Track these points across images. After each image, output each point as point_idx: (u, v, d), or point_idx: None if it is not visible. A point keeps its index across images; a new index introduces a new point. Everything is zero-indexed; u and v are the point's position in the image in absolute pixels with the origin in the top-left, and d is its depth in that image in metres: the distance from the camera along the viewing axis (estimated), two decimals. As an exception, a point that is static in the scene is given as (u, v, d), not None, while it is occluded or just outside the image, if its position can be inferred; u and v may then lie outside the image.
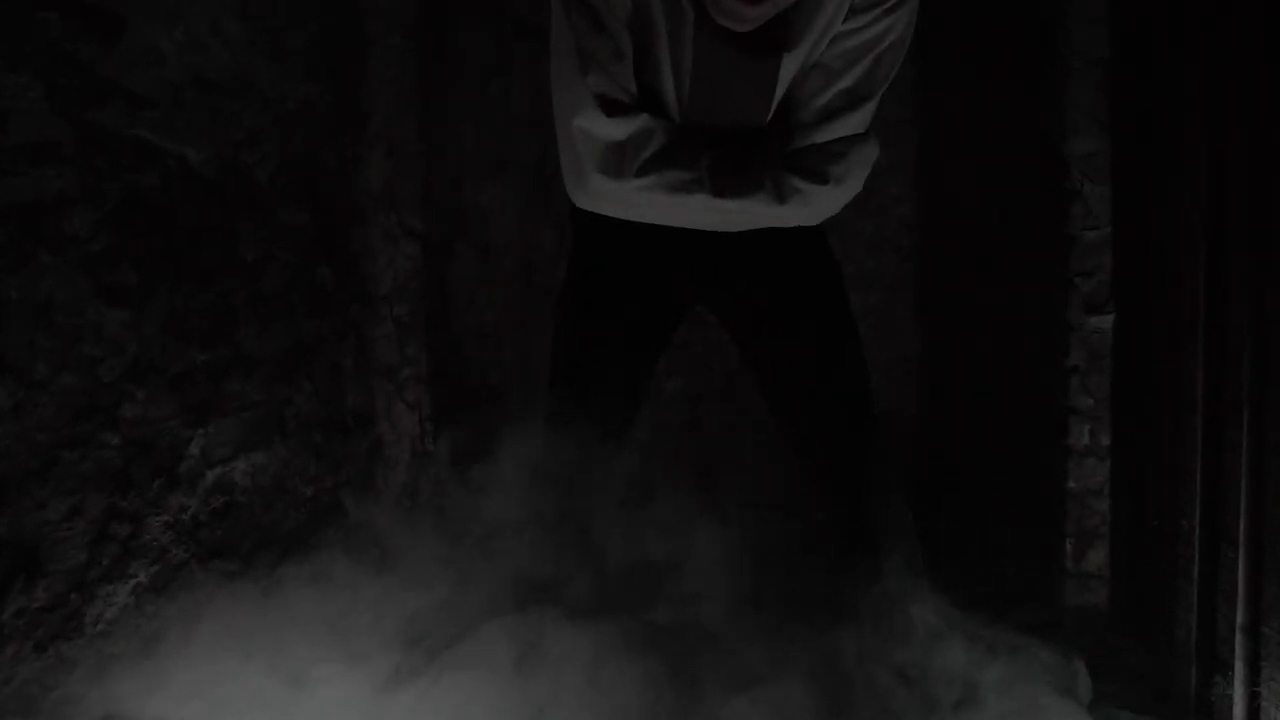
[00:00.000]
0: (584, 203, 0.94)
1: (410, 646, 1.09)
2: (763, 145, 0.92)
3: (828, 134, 0.90)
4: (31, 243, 0.93)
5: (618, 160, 0.86)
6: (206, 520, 1.25)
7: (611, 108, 0.86)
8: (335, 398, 1.63)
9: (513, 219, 2.33)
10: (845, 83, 0.89)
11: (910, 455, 2.31)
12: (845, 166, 0.90)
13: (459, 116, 1.98)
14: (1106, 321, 1.57)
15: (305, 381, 1.53)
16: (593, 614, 1.20)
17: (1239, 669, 1.16)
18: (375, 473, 1.77)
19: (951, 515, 2.08)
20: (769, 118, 0.93)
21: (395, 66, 1.75)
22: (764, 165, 0.90)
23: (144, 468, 1.11)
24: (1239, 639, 1.16)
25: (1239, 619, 1.16)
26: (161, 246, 1.16)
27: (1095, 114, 1.55)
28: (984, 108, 1.95)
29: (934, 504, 2.08)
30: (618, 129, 0.85)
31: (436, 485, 1.76)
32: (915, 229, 2.34)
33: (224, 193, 1.30)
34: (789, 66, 0.88)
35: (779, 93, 0.90)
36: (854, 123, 0.91)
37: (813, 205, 0.91)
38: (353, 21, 1.70)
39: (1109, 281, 1.57)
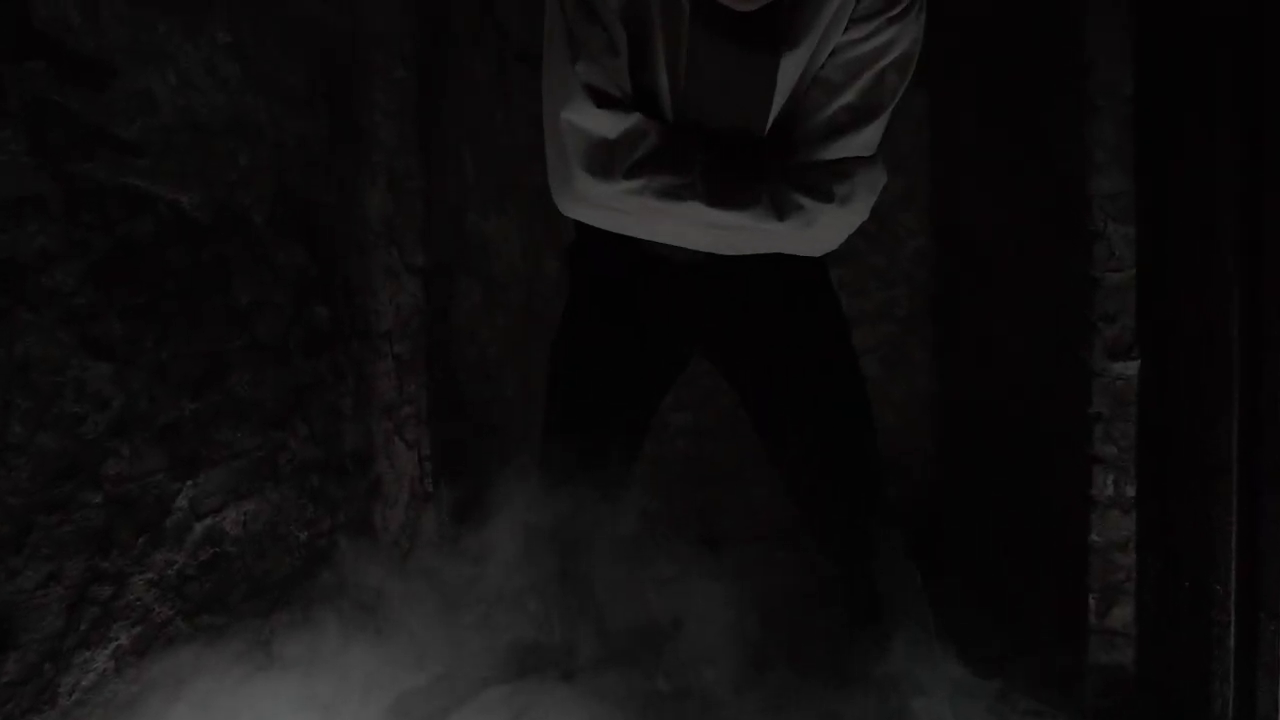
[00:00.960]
0: (568, 207, 0.88)
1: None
2: (762, 157, 0.86)
3: (832, 152, 0.84)
4: (9, 301, 0.90)
5: (606, 159, 0.80)
6: (194, 574, 1.21)
7: (602, 100, 0.80)
8: (333, 439, 1.60)
9: (516, 248, 2.30)
10: (849, 97, 0.83)
11: (924, 498, 2.24)
12: (851, 187, 0.83)
13: (462, 146, 1.95)
14: (1131, 368, 1.51)
15: (301, 424, 1.50)
16: (592, 678, 1.14)
17: (1280, 750, 1.09)
18: (373, 513, 1.73)
19: (968, 564, 2.01)
20: (768, 125, 0.87)
21: (397, 98, 1.72)
22: (763, 177, 0.84)
23: (128, 525, 1.08)
24: None
25: (1280, 696, 1.09)
26: (151, 295, 1.12)
27: (1119, 152, 1.49)
28: (1002, 141, 1.90)
29: (950, 551, 2.02)
30: (608, 124, 0.80)
31: (434, 532, 1.72)
32: (930, 262, 2.29)
33: (218, 236, 1.27)
34: (788, 69, 0.82)
35: (778, 98, 0.84)
36: (860, 143, 0.85)
37: (815, 226, 0.84)
38: (354, 54, 1.67)
39: (1133, 327, 1.50)
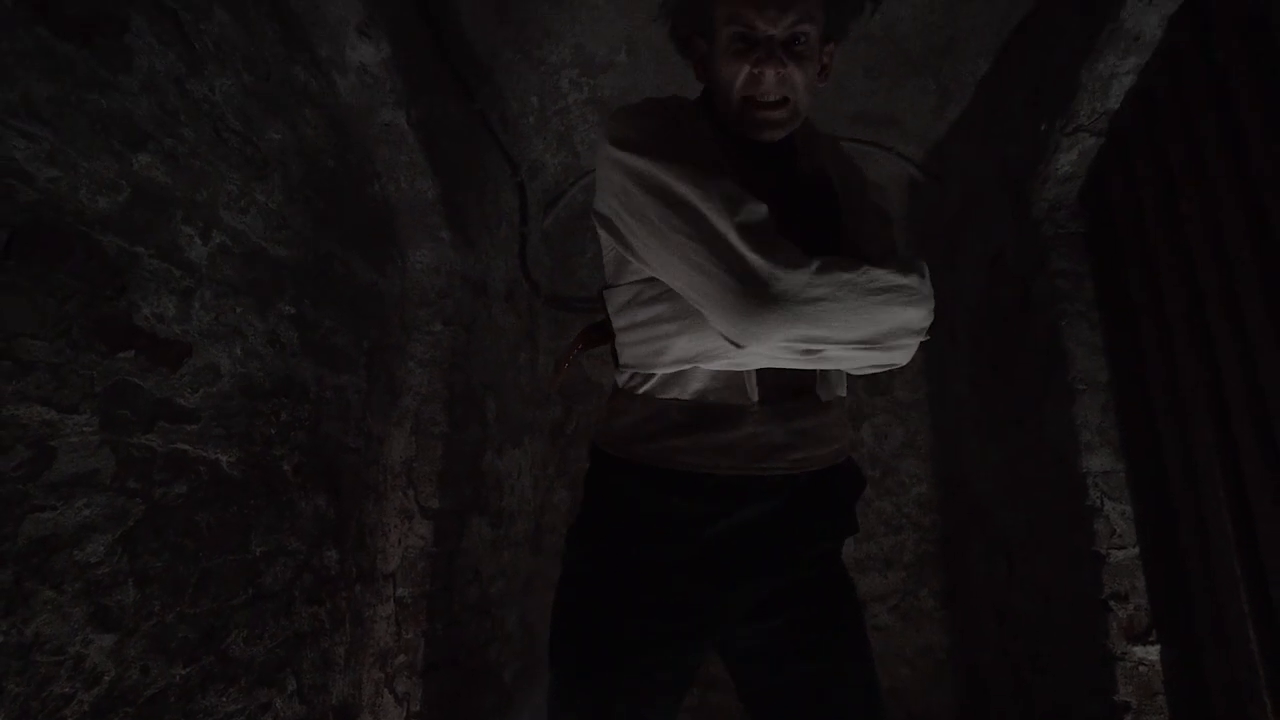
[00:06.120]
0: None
1: None
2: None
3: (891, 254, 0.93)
4: (35, 581, 0.92)
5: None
6: None
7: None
8: (320, 692, 1.51)
9: (528, 480, 2.34)
10: (873, 200, 0.97)
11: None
12: (920, 267, 0.87)
13: (486, 388, 2.08)
14: (1153, 653, 1.45)
15: (290, 679, 1.43)
16: None
17: None
18: (347, 779, 1.58)
19: None
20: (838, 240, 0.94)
21: (432, 350, 1.87)
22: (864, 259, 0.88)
23: (86, 820, 0.99)
24: None
25: None
26: (171, 557, 1.14)
27: (1105, 433, 1.58)
28: (999, 405, 2.00)
29: None
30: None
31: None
32: (933, 508, 2.30)
33: (247, 491, 1.32)
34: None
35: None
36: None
37: (926, 288, 0.84)
38: (400, 315, 1.85)
39: (1148, 607, 1.48)
